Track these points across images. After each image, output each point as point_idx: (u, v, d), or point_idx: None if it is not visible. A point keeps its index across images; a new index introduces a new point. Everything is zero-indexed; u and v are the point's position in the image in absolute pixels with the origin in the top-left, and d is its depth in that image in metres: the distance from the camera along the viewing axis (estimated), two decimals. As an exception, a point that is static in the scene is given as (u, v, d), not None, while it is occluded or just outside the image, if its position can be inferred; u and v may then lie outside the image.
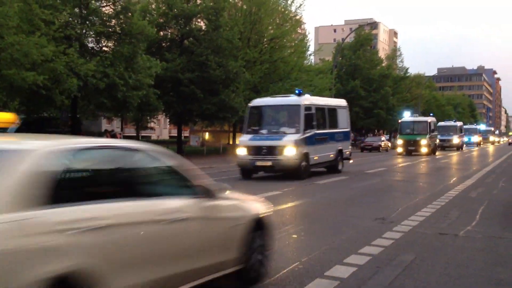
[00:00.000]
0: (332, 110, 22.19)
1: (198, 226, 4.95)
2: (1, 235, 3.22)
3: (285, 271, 6.51)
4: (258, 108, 20.53)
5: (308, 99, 20.33)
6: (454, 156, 40.77)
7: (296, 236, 8.72)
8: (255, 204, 6.24)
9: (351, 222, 10.05)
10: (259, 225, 5.97)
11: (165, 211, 4.59)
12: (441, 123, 54.54)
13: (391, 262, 7.03)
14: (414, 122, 42.27)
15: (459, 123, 57.25)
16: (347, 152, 22.92)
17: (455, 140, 53.57)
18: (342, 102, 24.26)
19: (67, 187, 3.88)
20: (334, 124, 21.81)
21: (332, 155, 21.23)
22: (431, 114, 46.31)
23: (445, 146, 52.31)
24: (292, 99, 20.13)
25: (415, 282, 6.20)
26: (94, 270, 3.69)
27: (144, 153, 4.86)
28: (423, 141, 39.36)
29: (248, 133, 19.61)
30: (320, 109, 20.81)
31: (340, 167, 21.90)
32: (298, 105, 19.20)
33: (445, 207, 12.26)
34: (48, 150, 3.92)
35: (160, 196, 4.77)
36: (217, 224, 5.30)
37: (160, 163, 4.98)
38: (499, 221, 10.57)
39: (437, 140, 46.02)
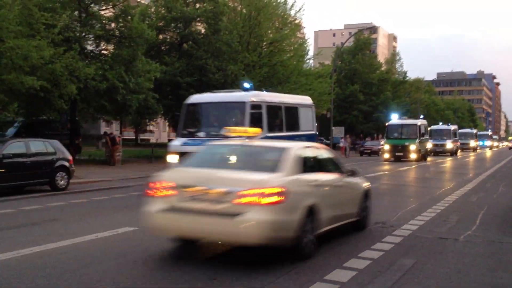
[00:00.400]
0: (292, 109, 18.50)
1: (345, 190, 9.03)
2: (293, 183, 7.10)
3: (285, 275, 6.48)
4: (196, 105, 17.11)
5: (257, 95, 16.62)
6: (448, 162, 38.25)
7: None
8: (365, 181, 10.30)
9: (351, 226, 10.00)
10: (366, 194, 10.00)
11: (336, 180, 8.70)
12: (433, 127, 51.96)
13: (391, 266, 7.01)
14: (402, 125, 38.16)
15: (453, 127, 53.67)
16: None
17: (449, 145, 49.83)
18: (305, 99, 20.77)
19: (306, 165, 7.83)
20: (293, 126, 18.17)
21: None
22: (422, 117, 42.79)
23: (438, 152, 49.11)
24: (236, 95, 16.88)
25: (416, 286, 6.18)
26: (319, 205, 7.53)
27: (323, 150, 9.38)
28: (412, 146, 35.86)
29: (183, 136, 16.08)
30: (274, 107, 17.21)
31: None
32: (244, 103, 15.75)
33: (445, 211, 12.24)
34: (297, 146, 8.17)
35: (332, 172, 8.80)
36: (351, 190, 9.38)
37: (328, 155, 9.28)
38: (499, 226, 10.56)
39: (429, 145, 43.76)
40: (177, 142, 15.68)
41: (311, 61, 52.74)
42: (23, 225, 9.95)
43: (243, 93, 16.41)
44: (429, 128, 47.12)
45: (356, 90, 59.87)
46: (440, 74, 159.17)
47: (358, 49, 65.25)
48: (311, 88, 41.36)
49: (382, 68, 70.60)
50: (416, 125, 37.64)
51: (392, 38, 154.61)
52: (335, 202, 8.31)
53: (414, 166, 31.51)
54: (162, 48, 34.48)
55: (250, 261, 7.20)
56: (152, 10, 34.70)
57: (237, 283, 6.17)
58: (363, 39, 67.51)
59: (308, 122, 19.36)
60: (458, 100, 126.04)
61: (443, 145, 49.60)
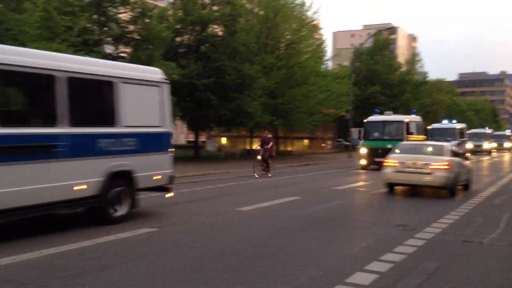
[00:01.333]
0: (95, 85, 10.05)
1: (462, 168, 16.34)
2: (451, 160, 15.78)
3: (305, 277, 6.38)
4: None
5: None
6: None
7: (315, 242, 8.57)
8: (468, 163, 17.71)
9: (372, 229, 9.86)
10: (469, 170, 17.42)
11: (461, 161, 16.73)
12: (434, 125, 43.99)
13: (414, 270, 6.86)
14: (384, 122, 29.41)
15: (459, 125, 43.78)
16: (158, 177, 11.23)
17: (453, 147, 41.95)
18: (145, 71, 11.57)
19: (453, 153, 16.85)
20: (99, 116, 10.31)
21: (79, 187, 9.31)
22: (414, 112, 32.81)
23: None
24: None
25: (440, 290, 6.02)
26: (457, 172, 16.17)
27: (457, 147, 20.28)
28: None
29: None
30: (29, 76, 8.74)
31: (121, 211, 10.21)
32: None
33: (469, 214, 12.02)
34: (448, 144, 17.87)
35: (460, 157, 16.89)
36: (464, 167, 16.70)
37: (458, 150, 18.70)
38: (524, 228, 10.31)
39: None
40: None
41: (329, 62, 52.62)
42: (46, 225, 9.97)
43: None
44: (429, 127, 42.60)
45: (376, 92, 59.40)
46: (462, 75, 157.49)
47: (377, 50, 64.75)
48: (329, 89, 41.22)
49: (402, 69, 69.98)
50: (402, 122, 28.67)
51: (412, 38, 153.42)
52: (462, 172, 16.35)
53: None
54: (180, 50, 34.56)
55: (269, 266, 7.10)
56: (170, 12, 34.80)
57: (254, 284, 6.08)
58: (382, 39, 66.98)
59: (150, 111, 11.23)
60: (480, 101, 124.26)
61: None
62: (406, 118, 29.28)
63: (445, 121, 46.32)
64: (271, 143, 23.08)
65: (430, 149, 16.58)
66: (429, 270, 6.88)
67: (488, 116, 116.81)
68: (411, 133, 28.62)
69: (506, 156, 51.85)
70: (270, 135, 23.72)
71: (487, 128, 70.56)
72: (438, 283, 6.30)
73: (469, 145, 48.38)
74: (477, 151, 53.25)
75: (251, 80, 32.41)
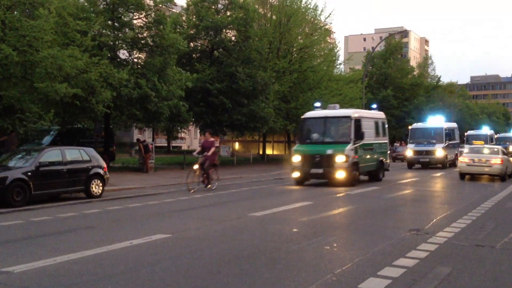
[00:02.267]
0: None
1: (509, 163, 24.06)
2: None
3: (318, 283, 6.45)
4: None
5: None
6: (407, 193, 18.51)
7: (328, 247, 8.64)
8: None
9: (385, 233, 9.91)
10: None
11: (508, 158, 24.49)
12: (416, 125, 36.27)
13: (426, 275, 6.90)
14: (326, 119, 21.50)
15: (446, 125, 35.76)
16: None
17: (439, 152, 32.45)
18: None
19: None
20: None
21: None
22: (373, 107, 24.97)
23: (424, 162, 33.14)
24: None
25: (452, 295, 6.07)
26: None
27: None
28: (339, 158, 19.69)
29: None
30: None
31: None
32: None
33: (481, 218, 12.01)
34: (501, 147, 26.23)
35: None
36: (510, 162, 24.41)
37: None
38: (538, 233, 10.29)
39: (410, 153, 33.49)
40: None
41: (342, 66, 52.59)
42: (60, 232, 10.15)
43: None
44: (410, 127, 36.58)
45: (388, 95, 59.23)
46: (474, 78, 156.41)
47: (389, 54, 64.66)
48: (342, 93, 41.23)
49: (415, 73, 69.74)
50: (349, 119, 20.71)
51: (424, 41, 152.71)
52: (509, 165, 23.95)
53: (339, 195, 16.81)
54: (193, 56, 34.82)
55: (282, 271, 7.19)
56: (184, 18, 35.08)
57: (270, 291, 6.18)
58: (394, 43, 66.89)
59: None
60: (493, 104, 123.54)
61: (429, 153, 32.75)
62: (355, 113, 21.13)
63: (432, 118, 37.37)
64: (212, 149, 18.53)
65: (488, 150, 24.38)
66: (442, 275, 6.92)
67: (500, 119, 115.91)
68: (361, 134, 20.23)
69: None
70: (212, 139, 19.24)
71: None
72: (450, 288, 6.35)
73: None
74: None
75: (264, 86, 32.53)
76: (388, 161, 24.25)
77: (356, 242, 9.25)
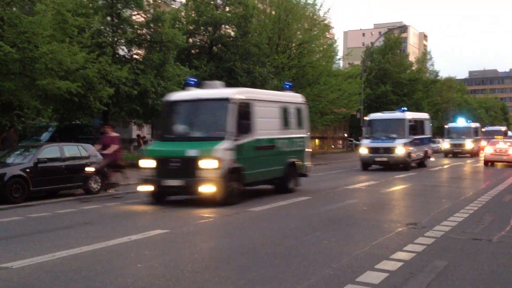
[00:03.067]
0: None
1: None
2: None
3: (316, 277, 6.49)
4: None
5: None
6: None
7: (326, 242, 8.68)
8: None
9: (383, 228, 9.95)
10: None
11: None
12: (373, 116, 29.06)
13: (424, 268, 6.94)
14: (196, 103, 14.65)
15: (411, 115, 29.30)
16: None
17: (399, 150, 25.91)
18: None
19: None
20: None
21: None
22: (288, 86, 17.77)
23: (381, 162, 26.58)
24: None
25: (449, 288, 6.11)
26: None
27: None
28: (206, 163, 12.73)
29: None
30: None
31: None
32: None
33: (478, 212, 12.06)
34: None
35: None
36: None
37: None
38: (535, 227, 10.35)
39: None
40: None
41: (341, 61, 52.59)
42: (59, 228, 10.18)
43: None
44: (366, 118, 29.59)
45: (387, 91, 59.21)
46: (472, 73, 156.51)
47: (388, 49, 64.54)
48: (340, 89, 41.22)
49: (413, 68, 69.70)
50: (227, 101, 13.68)
51: (423, 36, 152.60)
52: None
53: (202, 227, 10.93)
54: (192, 51, 34.77)
55: (281, 266, 7.23)
56: (183, 14, 35.00)
57: (268, 284, 6.21)
58: (393, 38, 66.75)
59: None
60: (490, 99, 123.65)
61: (387, 150, 26.14)
62: (238, 94, 14.19)
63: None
64: (114, 146, 15.38)
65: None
66: (439, 268, 6.97)
67: (498, 114, 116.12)
68: (247, 125, 13.75)
69: None
70: (113, 134, 15.90)
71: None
72: (447, 281, 6.39)
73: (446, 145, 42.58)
74: (455, 152, 41.77)
75: (263, 81, 32.51)
76: (306, 163, 17.03)
77: (354, 236, 9.25)
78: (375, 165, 26.75)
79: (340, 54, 50.94)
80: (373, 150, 26.47)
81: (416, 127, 28.67)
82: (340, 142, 57.89)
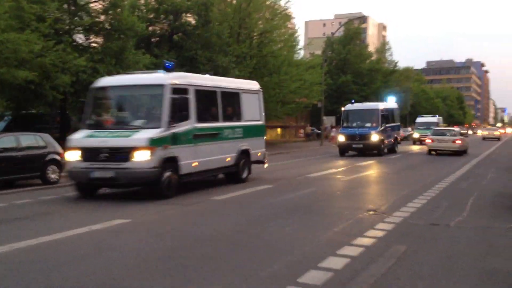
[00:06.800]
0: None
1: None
2: None
3: (278, 264, 6.53)
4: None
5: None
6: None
7: (289, 229, 8.73)
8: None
9: (344, 214, 10.08)
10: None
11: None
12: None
13: (384, 253, 7.07)
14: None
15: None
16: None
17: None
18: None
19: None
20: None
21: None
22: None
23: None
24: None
25: (408, 272, 6.24)
26: None
27: None
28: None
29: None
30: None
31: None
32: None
33: (436, 198, 12.34)
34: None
35: None
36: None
37: None
38: (489, 211, 10.66)
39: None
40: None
41: (302, 51, 52.79)
42: (16, 219, 9.93)
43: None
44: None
45: (348, 81, 59.86)
46: (429, 63, 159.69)
47: (349, 39, 65.17)
48: (301, 79, 41.43)
49: (373, 58, 70.61)
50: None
51: (382, 27, 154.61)
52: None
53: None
54: (152, 40, 34.30)
55: (244, 253, 7.23)
56: (142, 1, 34.45)
57: (231, 271, 6.21)
58: (353, 29, 67.41)
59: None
60: (447, 89, 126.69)
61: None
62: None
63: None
64: None
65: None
66: (398, 253, 7.10)
67: (454, 103, 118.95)
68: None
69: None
70: None
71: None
72: (407, 265, 6.51)
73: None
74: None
75: (225, 70, 32.37)
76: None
77: (317, 223, 9.33)
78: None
79: (301, 44, 51.16)
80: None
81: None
82: (302, 131, 58.22)
